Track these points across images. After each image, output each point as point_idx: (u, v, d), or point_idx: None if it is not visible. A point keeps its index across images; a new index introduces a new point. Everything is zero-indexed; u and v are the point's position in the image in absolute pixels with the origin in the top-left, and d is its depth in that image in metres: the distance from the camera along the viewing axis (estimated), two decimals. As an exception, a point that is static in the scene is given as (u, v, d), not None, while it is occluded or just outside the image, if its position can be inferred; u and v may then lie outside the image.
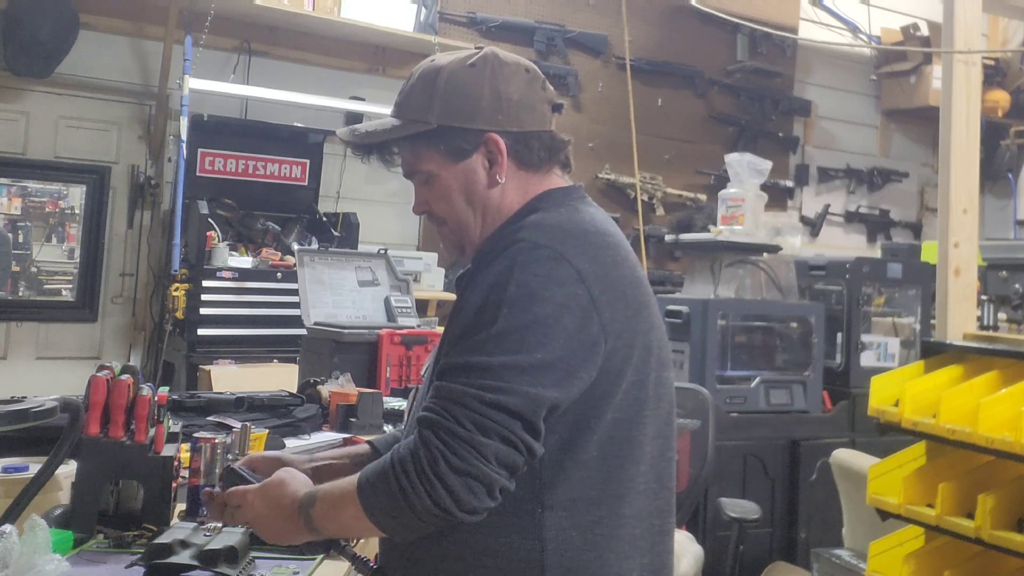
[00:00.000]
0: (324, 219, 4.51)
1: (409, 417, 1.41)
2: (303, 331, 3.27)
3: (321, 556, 1.58)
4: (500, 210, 1.34)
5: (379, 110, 4.59)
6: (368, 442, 1.49)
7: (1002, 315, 4.10)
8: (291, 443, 2.33)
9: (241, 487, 1.31)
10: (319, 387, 2.71)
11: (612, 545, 1.23)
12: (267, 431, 2.22)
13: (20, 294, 4.18)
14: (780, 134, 6.12)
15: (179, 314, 3.89)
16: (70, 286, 4.28)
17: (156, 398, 1.70)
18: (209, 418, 2.33)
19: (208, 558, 1.42)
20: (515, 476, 1.16)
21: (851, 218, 6.51)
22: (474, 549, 1.21)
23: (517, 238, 1.24)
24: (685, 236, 5.15)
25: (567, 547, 1.20)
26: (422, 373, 1.45)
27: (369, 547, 1.65)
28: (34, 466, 1.69)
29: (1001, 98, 6.29)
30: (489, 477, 1.13)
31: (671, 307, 3.99)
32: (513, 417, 1.14)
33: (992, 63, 6.25)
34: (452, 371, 1.19)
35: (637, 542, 1.26)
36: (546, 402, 1.17)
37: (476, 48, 1.37)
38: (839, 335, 4.29)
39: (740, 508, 2.82)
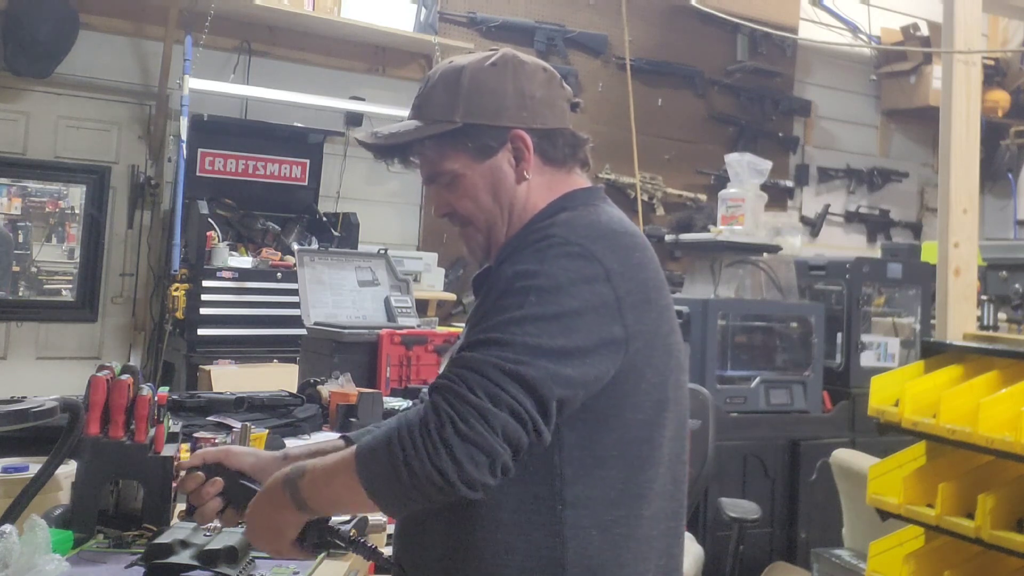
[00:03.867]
0: (324, 219, 4.51)
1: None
2: (303, 331, 3.27)
3: (321, 556, 1.58)
4: (526, 207, 1.34)
5: (379, 110, 4.60)
6: (342, 436, 1.47)
7: (1002, 315, 4.10)
8: (291, 443, 2.33)
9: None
10: (319, 387, 2.71)
11: (630, 545, 1.23)
12: (267, 431, 2.23)
13: (20, 294, 4.19)
14: (780, 134, 6.12)
15: (179, 314, 3.89)
16: (70, 286, 4.28)
17: (156, 398, 1.70)
18: (209, 418, 2.33)
19: (208, 558, 1.42)
20: (519, 456, 1.14)
21: (851, 218, 6.51)
22: (496, 546, 1.20)
23: (548, 234, 1.24)
24: (685, 236, 5.15)
25: (587, 545, 1.20)
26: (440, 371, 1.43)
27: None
28: (34, 466, 1.69)
29: (1001, 98, 6.29)
30: (494, 450, 1.10)
31: (671, 307, 3.98)
32: (527, 393, 1.12)
33: (992, 63, 6.25)
34: (471, 345, 1.17)
35: (653, 543, 1.26)
36: (561, 380, 1.14)
37: (492, 49, 1.37)
38: (839, 335, 4.29)
39: (740, 508, 2.82)
